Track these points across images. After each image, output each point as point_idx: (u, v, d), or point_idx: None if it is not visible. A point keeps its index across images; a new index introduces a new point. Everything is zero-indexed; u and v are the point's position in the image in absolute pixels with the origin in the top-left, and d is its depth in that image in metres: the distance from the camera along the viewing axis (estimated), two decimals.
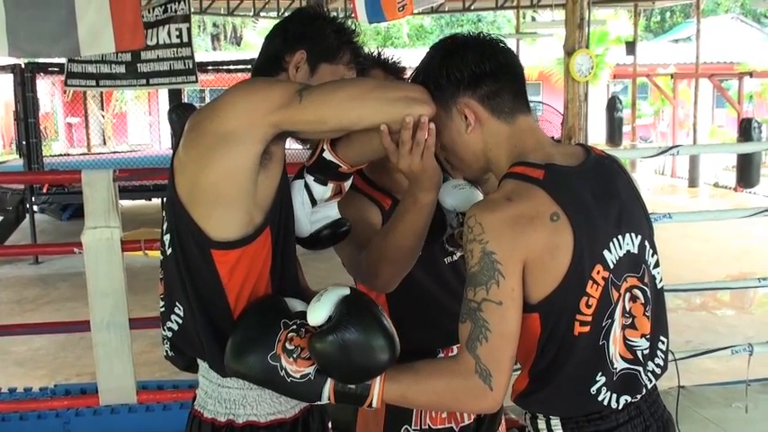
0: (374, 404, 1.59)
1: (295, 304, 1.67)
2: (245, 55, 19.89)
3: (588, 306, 1.53)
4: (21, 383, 4.72)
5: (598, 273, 1.54)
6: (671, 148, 3.97)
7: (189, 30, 9.67)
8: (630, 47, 20.44)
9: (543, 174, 1.56)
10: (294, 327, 1.61)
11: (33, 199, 10.88)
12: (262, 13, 16.92)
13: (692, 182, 17.12)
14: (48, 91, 20.43)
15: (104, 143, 21.84)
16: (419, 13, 20.22)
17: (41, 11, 4.69)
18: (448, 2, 16.55)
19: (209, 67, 12.21)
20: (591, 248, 1.54)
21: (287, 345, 1.58)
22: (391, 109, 1.65)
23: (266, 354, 1.58)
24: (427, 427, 2.20)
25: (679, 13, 36.35)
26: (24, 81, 10.57)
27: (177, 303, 1.73)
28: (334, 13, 1.99)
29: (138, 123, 24.24)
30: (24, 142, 11.00)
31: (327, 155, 1.76)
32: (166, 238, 1.74)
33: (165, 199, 1.77)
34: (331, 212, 1.85)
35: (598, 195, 1.59)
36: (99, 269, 3.57)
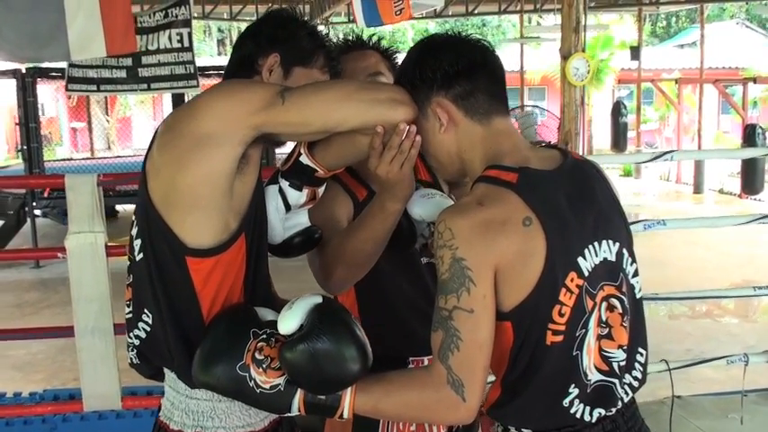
0: (345, 415, 1.53)
1: (265, 313, 1.62)
2: None
3: (561, 315, 1.47)
4: (17, 387, 4.72)
5: (572, 280, 1.48)
6: (665, 153, 3.90)
7: (190, 34, 9.67)
8: (635, 52, 20.35)
9: (517, 177, 1.50)
10: (264, 336, 1.55)
11: (35, 203, 10.93)
12: None
13: (697, 188, 17.07)
14: (52, 96, 20.49)
15: (108, 147, 21.89)
16: (422, 18, 20.18)
17: (31, 16, 4.70)
18: (451, 6, 16.51)
19: (211, 72, 12.20)
20: (565, 255, 1.48)
21: (256, 354, 1.53)
22: (376, 110, 1.62)
23: (235, 364, 1.52)
24: None
25: (684, 18, 36.32)
26: (25, 86, 10.61)
27: (146, 310, 1.68)
28: (308, 19, 1.95)
29: (143, 128, 24.27)
30: (26, 147, 11.01)
31: (304, 159, 1.72)
32: (137, 243, 1.68)
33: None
34: (302, 219, 1.80)
35: (574, 200, 1.53)
36: (83, 274, 3.53)
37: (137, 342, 1.71)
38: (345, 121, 1.62)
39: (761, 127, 13.82)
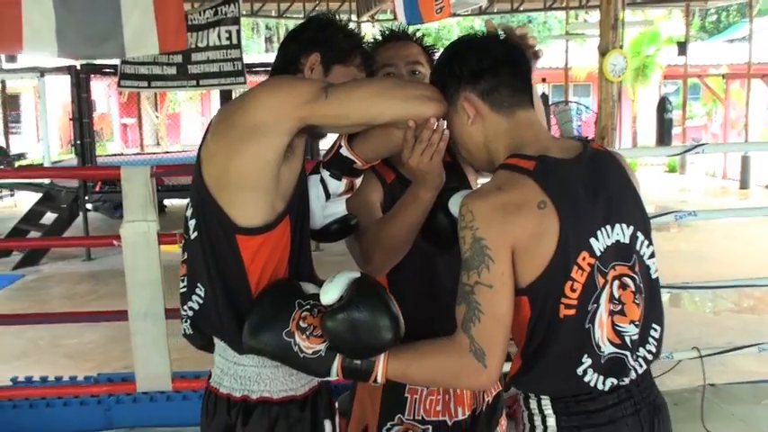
0: (378, 379, 1.68)
1: (308, 287, 1.78)
2: None
3: (573, 290, 1.60)
4: (68, 374, 4.87)
5: (584, 259, 1.61)
6: (696, 146, 3.99)
7: (239, 32, 9.84)
8: (682, 47, 20.23)
9: (534, 165, 1.63)
10: (308, 307, 1.71)
11: (87, 197, 11.08)
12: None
13: (744, 184, 16.91)
14: (104, 92, 20.83)
15: (158, 143, 22.22)
16: (467, 15, 20.26)
17: (89, 14, 4.89)
18: (497, 3, 16.57)
19: (259, 68, 12.35)
20: (577, 235, 1.61)
21: (301, 323, 1.69)
22: (409, 105, 1.78)
23: (281, 331, 1.68)
24: (420, 417, 2.26)
25: (735, 12, 35.84)
26: (79, 82, 10.82)
27: (199, 284, 1.84)
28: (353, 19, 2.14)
29: (191, 124, 24.59)
30: (79, 141, 11.26)
31: (344, 151, 1.89)
32: (191, 223, 1.86)
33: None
34: (340, 208, 1.97)
35: (589, 186, 1.65)
36: (137, 261, 3.72)
37: (190, 313, 1.88)
38: (381, 115, 1.78)
39: None
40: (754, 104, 20.56)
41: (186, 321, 1.91)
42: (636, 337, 1.68)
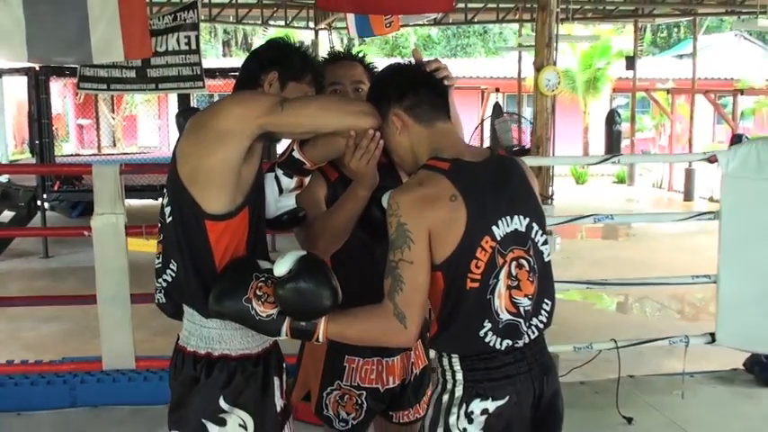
0: (320, 339, 2.05)
1: (264, 264, 2.13)
2: None
3: (477, 267, 1.97)
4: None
5: (486, 242, 1.98)
6: (611, 156, 4.42)
7: (197, 38, 10.07)
8: (630, 61, 20.80)
9: (449, 166, 2.01)
10: (263, 278, 2.06)
11: (45, 196, 11.22)
12: (270, 22, 17.40)
13: (687, 195, 17.48)
14: (59, 93, 20.77)
15: (114, 145, 22.19)
16: (424, 25, 20.68)
17: (58, 22, 5.19)
18: (452, 14, 16.99)
19: (217, 74, 12.57)
20: (481, 223, 1.98)
21: (257, 291, 2.04)
22: (350, 118, 2.18)
23: (241, 298, 2.04)
24: (356, 384, 2.62)
25: (685, 28, 36.73)
26: (38, 83, 10.98)
27: (172, 260, 2.18)
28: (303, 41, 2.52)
29: (148, 126, 24.58)
30: (37, 142, 11.37)
31: (296, 154, 2.28)
32: (167, 209, 2.20)
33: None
34: (290, 202, 2.35)
35: (493, 184, 2.03)
36: (105, 250, 4.08)
37: (164, 285, 2.22)
38: (327, 126, 2.19)
39: (746, 137, 14.26)
40: (699, 119, 21.26)
41: (160, 292, 2.25)
42: (529, 308, 2.06)
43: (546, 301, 2.13)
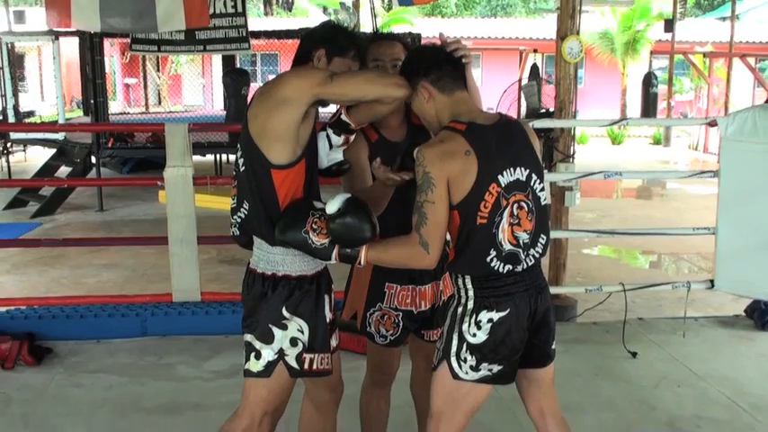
0: (362, 263, 2.62)
1: (318, 204, 2.68)
2: (295, 23, 20.79)
3: (485, 207, 2.50)
4: None
5: (493, 188, 2.51)
6: (621, 120, 4.91)
7: (243, 1, 10.61)
8: (668, 24, 20.90)
9: (465, 127, 2.54)
10: (318, 215, 2.61)
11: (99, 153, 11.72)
12: None
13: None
14: (107, 52, 21.30)
15: (159, 103, 22.70)
16: None
17: None
18: None
19: (262, 35, 12.99)
20: (489, 173, 2.50)
21: (313, 225, 2.60)
22: (387, 89, 2.68)
23: (300, 230, 2.60)
24: (395, 306, 3.16)
25: None
26: (93, 46, 11.44)
27: (245, 201, 2.72)
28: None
29: (192, 85, 25.02)
30: (92, 101, 11.85)
31: (344, 116, 2.82)
32: (240, 161, 2.73)
33: (239, 136, 2.75)
34: (338, 155, 2.89)
35: (500, 142, 2.56)
36: (176, 197, 4.67)
37: (238, 220, 2.77)
38: (367, 95, 2.70)
39: None
40: (738, 82, 21.36)
41: (235, 226, 2.81)
42: (527, 241, 2.59)
43: (542, 236, 2.66)
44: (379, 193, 2.90)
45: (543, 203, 2.67)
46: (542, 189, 2.67)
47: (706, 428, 4.05)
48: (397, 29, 21.66)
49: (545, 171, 5.49)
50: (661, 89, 21.77)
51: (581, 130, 21.35)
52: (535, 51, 19.04)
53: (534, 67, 16.46)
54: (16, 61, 17.59)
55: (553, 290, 5.52)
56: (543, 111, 7.82)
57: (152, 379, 4.67)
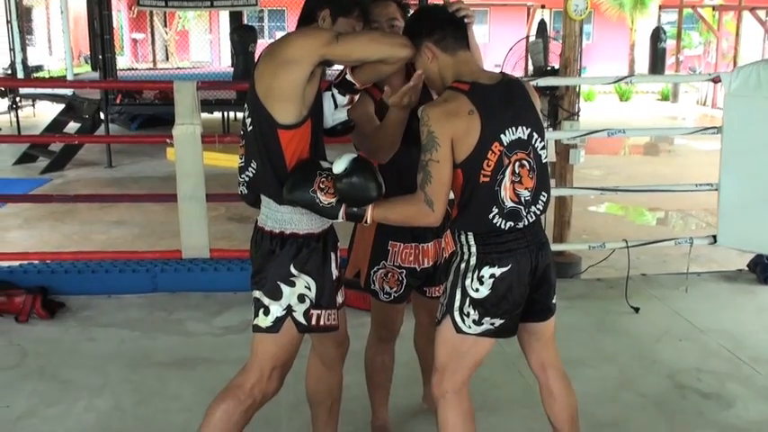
0: (368, 221, 2.68)
1: (324, 164, 2.73)
2: None
3: (488, 166, 2.55)
4: None
5: (496, 147, 2.55)
6: (625, 77, 4.94)
7: None
8: None
9: (468, 87, 2.58)
10: (325, 175, 2.66)
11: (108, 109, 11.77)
12: None
13: None
14: (114, 7, 21.25)
15: (167, 59, 22.72)
16: None
17: None
18: None
19: None
20: (492, 132, 2.55)
21: (320, 185, 2.64)
22: (391, 49, 2.72)
23: (308, 189, 2.65)
24: (398, 264, 3.23)
25: None
26: (101, 0, 11.47)
27: (252, 161, 2.78)
28: None
29: (199, 41, 24.99)
30: (100, 56, 11.87)
31: (348, 76, 2.84)
32: (248, 120, 2.78)
33: (246, 95, 2.79)
34: (343, 115, 2.92)
35: (502, 102, 2.60)
36: (185, 155, 4.73)
37: (247, 179, 2.83)
38: (372, 55, 2.72)
39: None
40: (748, 36, 21.23)
41: (243, 185, 2.86)
42: (529, 198, 2.64)
43: (543, 193, 2.71)
44: (394, 124, 2.92)
45: (544, 161, 2.72)
46: (543, 147, 2.72)
47: (706, 380, 4.13)
48: None
49: (550, 129, 5.64)
50: (670, 44, 21.68)
51: (589, 87, 21.30)
52: (543, 7, 18.96)
53: (542, 23, 16.38)
54: (24, 14, 17.55)
55: (557, 247, 5.63)
56: (549, 68, 7.83)
57: (163, 334, 4.76)
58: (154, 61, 18.97)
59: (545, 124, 4.20)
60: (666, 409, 3.85)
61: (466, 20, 2.76)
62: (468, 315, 2.66)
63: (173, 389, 4.04)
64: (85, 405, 3.88)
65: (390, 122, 2.93)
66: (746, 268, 5.84)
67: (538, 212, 2.71)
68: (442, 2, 2.83)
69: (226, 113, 13.91)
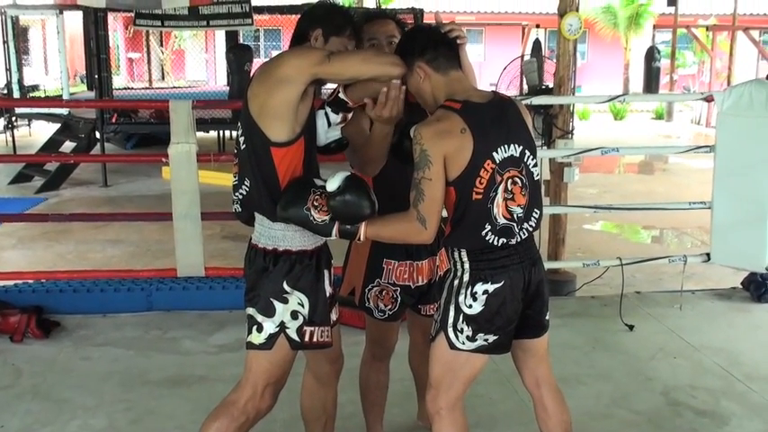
0: (361, 238, 2.69)
1: (318, 181, 2.74)
2: None
3: (481, 183, 2.57)
4: None
5: (488, 164, 2.58)
6: (618, 96, 4.98)
7: None
8: None
9: (460, 106, 2.60)
10: (318, 192, 2.68)
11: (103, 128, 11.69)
12: None
13: None
14: (110, 27, 21.27)
15: (163, 78, 22.72)
16: None
17: None
18: None
19: (264, 10, 12.97)
20: (484, 150, 2.57)
21: (314, 202, 2.66)
22: (383, 68, 2.75)
23: (302, 207, 2.66)
24: (393, 281, 3.23)
25: None
26: (97, 20, 11.30)
27: (246, 179, 2.80)
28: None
29: (195, 61, 25.00)
30: (96, 76, 11.83)
31: (341, 95, 2.86)
32: (241, 139, 2.80)
33: (240, 115, 2.80)
34: (336, 133, 2.94)
35: (494, 120, 2.62)
36: (180, 174, 4.74)
37: (240, 197, 2.84)
38: (364, 74, 2.75)
39: None
40: (743, 56, 21.32)
41: (237, 203, 2.88)
42: (521, 215, 2.66)
43: (535, 210, 2.73)
44: (378, 137, 2.94)
45: (536, 179, 2.74)
46: (535, 165, 2.74)
47: (701, 398, 4.13)
48: (400, 1, 21.61)
49: (544, 147, 5.67)
50: (664, 63, 21.76)
51: (583, 106, 21.38)
52: (537, 27, 19.04)
53: (536, 43, 16.46)
54: (20, 34, 17.55)
55: (552, 264, 5.65)
56: (543, 87, 7.89)
57: (158, 352, 4.75)
58: (150, 80, 18.98)
59: (539, 143, 4.23)
60: (661, 427, 3.86)
61: (458, 40, 2.78)
62: (461, 331, 2.67)
63: (167, 408, 4.03)
64: (80, 424, 3.87)
65: (374, 136, 2.95)
66: (740, 286, 5.85)
67: (530, 229, 2.72)
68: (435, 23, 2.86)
69: (221, 132, 13.92)
